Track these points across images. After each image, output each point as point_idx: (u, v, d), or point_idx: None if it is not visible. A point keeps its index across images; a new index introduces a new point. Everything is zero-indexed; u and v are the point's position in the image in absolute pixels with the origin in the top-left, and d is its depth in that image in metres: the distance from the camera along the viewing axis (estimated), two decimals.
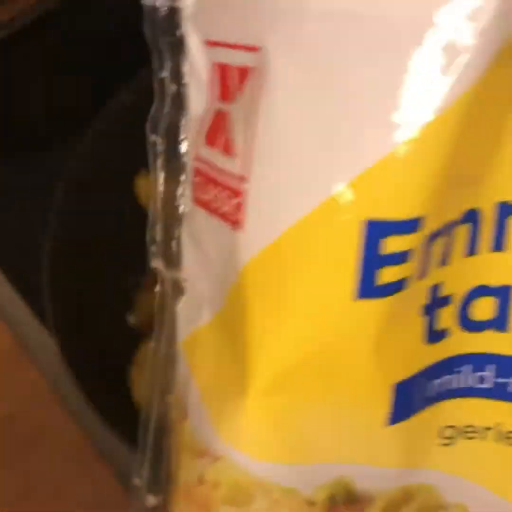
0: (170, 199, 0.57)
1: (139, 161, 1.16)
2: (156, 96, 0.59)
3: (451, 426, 0.49)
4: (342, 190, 0.42)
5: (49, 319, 0.96)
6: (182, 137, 0.56)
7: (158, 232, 0.58)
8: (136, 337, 1.06)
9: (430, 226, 0.43)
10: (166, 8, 0.54)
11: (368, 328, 0.43)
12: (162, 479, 0.55)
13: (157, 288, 0.60)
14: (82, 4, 1.60)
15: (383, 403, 0.46)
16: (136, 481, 0.58)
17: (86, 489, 1.00)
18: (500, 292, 0.45)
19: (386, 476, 0.48)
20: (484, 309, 0.47)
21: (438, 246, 0.44)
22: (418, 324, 0.46)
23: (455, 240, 0.45)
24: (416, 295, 0.45)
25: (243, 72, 0.47)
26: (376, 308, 0.43)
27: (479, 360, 0.46)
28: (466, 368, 0.47)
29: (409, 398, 0.46)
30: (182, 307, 0.57)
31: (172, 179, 0.57)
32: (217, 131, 0.50)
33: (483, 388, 0.47)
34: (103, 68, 1.53)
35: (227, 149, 0.48)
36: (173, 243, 0.58)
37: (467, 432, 0.48)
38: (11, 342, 1.15)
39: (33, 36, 1.54)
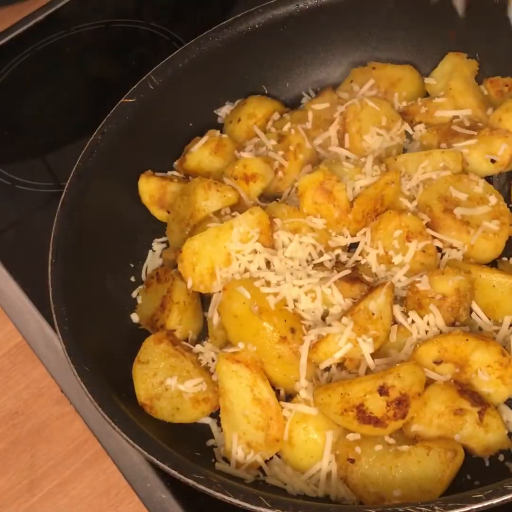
0: None
1: (143, 162, 1.19)
2: None
3: None
4: None
5: (53, 318, 0.97)
6: None
7: None
8: (139, 336, 1.08)
9: None
10: None
11: None
12: None
13: None
14: (88, 9, 1.61)
15: None
16: None
17: (90, 483, 1.02)
18: None
19: None
20: None
21: None
22: None
23: None
24: None
25: None
26: None
27: None
28: None
29: None
30: None
31: None
32: None
33: None
34: (107, 71, 1.55)
35: None
36: None
37: None
38: (17, 341, 1.16)
39: (38, 40, 1.56)
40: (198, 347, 1.03)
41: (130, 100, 1.16)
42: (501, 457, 0.90)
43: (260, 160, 1.13)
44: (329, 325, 0.96)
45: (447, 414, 0.89)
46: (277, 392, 0.95)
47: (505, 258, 1.07)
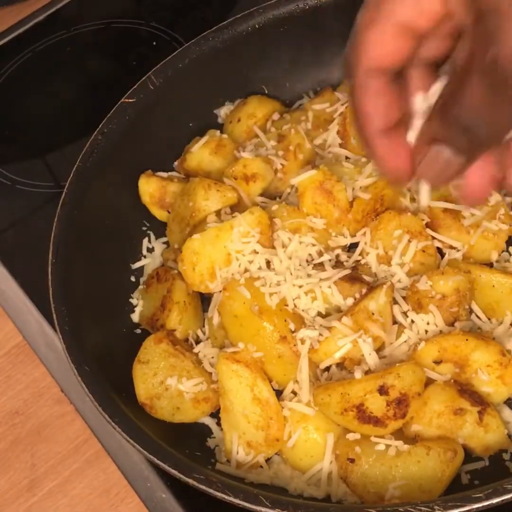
0: None
1: (143, 162, 1.19)
2: None
3: None
4: None
5: (54, 318, 0.97)
6: None
7: None
8: (139, 336, 1.08)
9: None
10: None
11: None
12: None
13: None
14: (88, 9, 1.62)
15: None
16: None
17: (90, 482, 1.02)
18: None
19: None
20: None
21: None
22: None
23: None
24: None
25: None
26: None
27: None
28: None
29: None
30: None
31: None
32: None
33: None
34: (107, 71, 1.55)
35: None
36: None
37: None
38: (18, 341, 1.16)
39: (38, 40, 1.56)
40: (198, 347, 1.03)
41: (130, 100, 1.16)
42: (501, 457, 0.90)
43: (260, 160, 1.13)
44: (329, 325, 0.96)
45: (447, 414, 0.89)
46: (278, 392, 0.95)
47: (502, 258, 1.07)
